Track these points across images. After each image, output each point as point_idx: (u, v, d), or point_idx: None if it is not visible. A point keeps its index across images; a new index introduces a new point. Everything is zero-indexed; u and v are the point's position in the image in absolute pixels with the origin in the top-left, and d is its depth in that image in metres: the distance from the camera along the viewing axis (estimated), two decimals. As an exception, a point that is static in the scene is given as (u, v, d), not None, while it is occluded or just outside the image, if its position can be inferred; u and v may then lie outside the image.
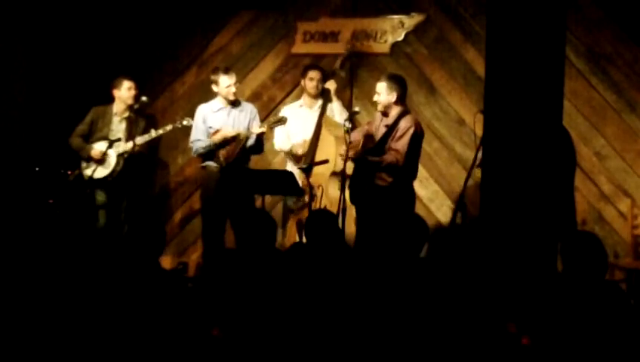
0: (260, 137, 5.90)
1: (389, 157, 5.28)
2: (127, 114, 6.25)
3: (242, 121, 5.98)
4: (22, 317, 3.80)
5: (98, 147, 6.14)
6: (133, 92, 6.23)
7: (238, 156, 5.87)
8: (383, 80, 5.44)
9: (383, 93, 5.38)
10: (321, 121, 5.97)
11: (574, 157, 4.93)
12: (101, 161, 6.11)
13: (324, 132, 5.95)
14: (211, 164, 5.96)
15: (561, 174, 4.49)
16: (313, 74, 6.16)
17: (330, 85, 6.15)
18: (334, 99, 6.16)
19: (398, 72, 6.43)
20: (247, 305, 3.95)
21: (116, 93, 6.24)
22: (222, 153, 5.91)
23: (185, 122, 6.19)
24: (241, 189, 5.70)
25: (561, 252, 3.52)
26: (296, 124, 6.07)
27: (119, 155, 6.13)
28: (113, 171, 6.14)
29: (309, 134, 6.00)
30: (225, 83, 5.93)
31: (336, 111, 6.14)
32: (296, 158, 6.06)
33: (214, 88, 6.02)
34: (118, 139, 6.10)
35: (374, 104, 5.53)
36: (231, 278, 4.14)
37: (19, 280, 4.27)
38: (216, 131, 5.93)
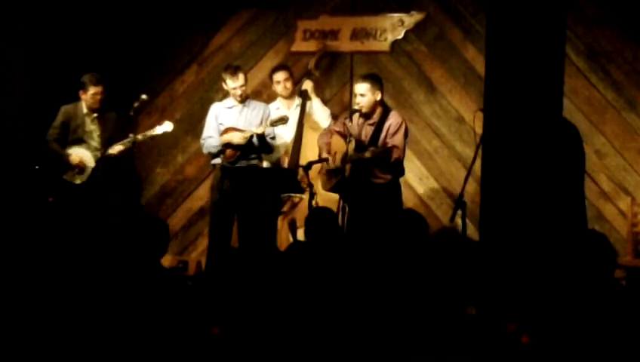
0: (264, 137, 5.83)
1: (394, 153, 5.26)
2: (95, 114, 6.04)
3: (253, 120, 5.85)
4: (22, 315, 3.81)
5: (75, 153, 5.98)
6: (98, 97, 5.96)
7: (240, 156, 5.83)
8: (364, 81, 5.35)
9: (368, 94, 5.31)
10: (302, 122, 6.02)
11: (583, 153, 4.88)
12: (81, 169, 5.98)
13: (309, 131, 5.97)
14: (219, 162, 5.94)
15: (566, 171, 4.47)
16: (278, 76, 6.18)
17: (307, 85, 6.19)
18: (313, 97, 6.20)
19: (398, 71, 6.47)
20: (248, 304, 3.95)
21: (82, 94, 6.01)
22: (225, 152, 5.89)
23: (166, 127, 6.03)
24: (243, 188, 5.68)
25: (570, 251, 3.52)
26: None
27: (98, 161, 5.98)
28: (93, 176, 5.99)
29: (292, 134, 6.05)
30: (230, 85, 5.83)
31: (317, 110, 6.19)
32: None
33: (224, 86, 5.98)
34: (99, 149, 5.97)
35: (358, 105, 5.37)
36: (232, 277, 4.15)
37: (19, 278, 4.27)
38: (227, 129, 5.86)
